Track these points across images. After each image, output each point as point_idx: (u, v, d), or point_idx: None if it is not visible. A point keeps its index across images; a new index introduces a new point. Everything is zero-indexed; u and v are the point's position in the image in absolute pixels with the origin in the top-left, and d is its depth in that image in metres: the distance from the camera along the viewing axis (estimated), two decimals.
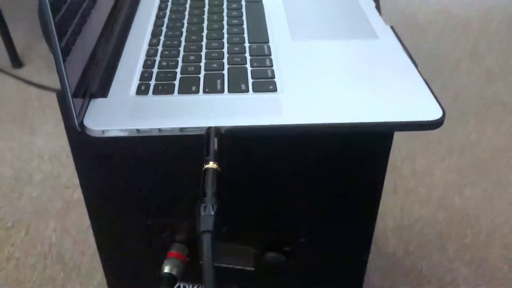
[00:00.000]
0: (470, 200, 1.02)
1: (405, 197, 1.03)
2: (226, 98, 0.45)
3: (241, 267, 0.59)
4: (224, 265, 0.59)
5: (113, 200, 0.53)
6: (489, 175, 1.08)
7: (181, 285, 0.63)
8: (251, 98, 0.45)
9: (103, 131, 0.42)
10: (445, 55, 1.51)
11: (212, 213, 0.35)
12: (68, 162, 1.11)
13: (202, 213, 0.35)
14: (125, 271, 0.61)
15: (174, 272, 0.55)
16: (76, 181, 1.05)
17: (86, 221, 0.97)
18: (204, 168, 0.38)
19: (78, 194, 1.03)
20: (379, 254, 0.92)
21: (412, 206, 1.01)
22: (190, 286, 0.63)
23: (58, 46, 0.38)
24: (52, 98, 1.33)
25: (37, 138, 1.19)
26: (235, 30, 0.55)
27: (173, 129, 0.42)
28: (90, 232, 0.94)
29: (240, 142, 0.45)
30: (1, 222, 0.97)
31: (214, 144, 0.40)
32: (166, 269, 0.55)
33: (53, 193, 1.03)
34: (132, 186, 0.51)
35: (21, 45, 1.52)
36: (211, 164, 0.38)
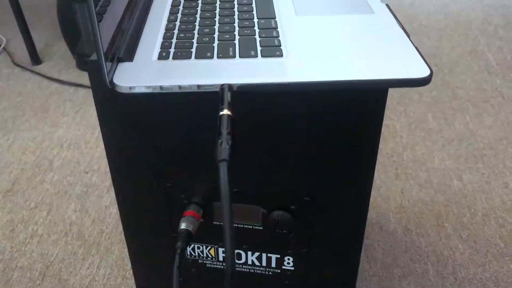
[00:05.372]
0: (467, 184, 1.07)
1: (405, 182, 1.08)
2: (238, 62, 0.51)
3: (250, 226, 0.64)
4: (235, 224, 0.64)
5: (134, 160, 0.58)
6: (486, 161, 1.13)
7: (195, 246, 0.68)
8: (259, 62, 0.51)
9: (130, 88, 0.48)
10: (446, 52, 1.57)
11: (227, 146, 0.40)
12: (86, 150, 1.18)
13: (219, 146, 0.40)
14: (144, 231, 0.67)
15: (190, 228, 0.61)
16: (94, 166, 1.12)
17: (104, 202, 1.03)
18: (219, 114, 0.44)
19: (96, 179, 1.09)
20: (381, 233, 0.97)
21: (412, 189, 1.06)
22: (204, 247, 0.68)
23: (94, 15, 0.44)
24: (71, 92, 1.41)
25: (58, 129, 1.25)
26: (245, 8, 0.61)
27: (191, 86, 0.48)
28: (108, 212, 1.01)
29: (248, 102, 0.51)
30: (25, 203, 1.03)
31: (228, 96, 0.46)
32: (183, 226, 0.61)
33: (73, 177, 1.09)
34: (153, 145, 0.56)
35: (40, 44, 1.60)
36: (225, 111, 0.44)
